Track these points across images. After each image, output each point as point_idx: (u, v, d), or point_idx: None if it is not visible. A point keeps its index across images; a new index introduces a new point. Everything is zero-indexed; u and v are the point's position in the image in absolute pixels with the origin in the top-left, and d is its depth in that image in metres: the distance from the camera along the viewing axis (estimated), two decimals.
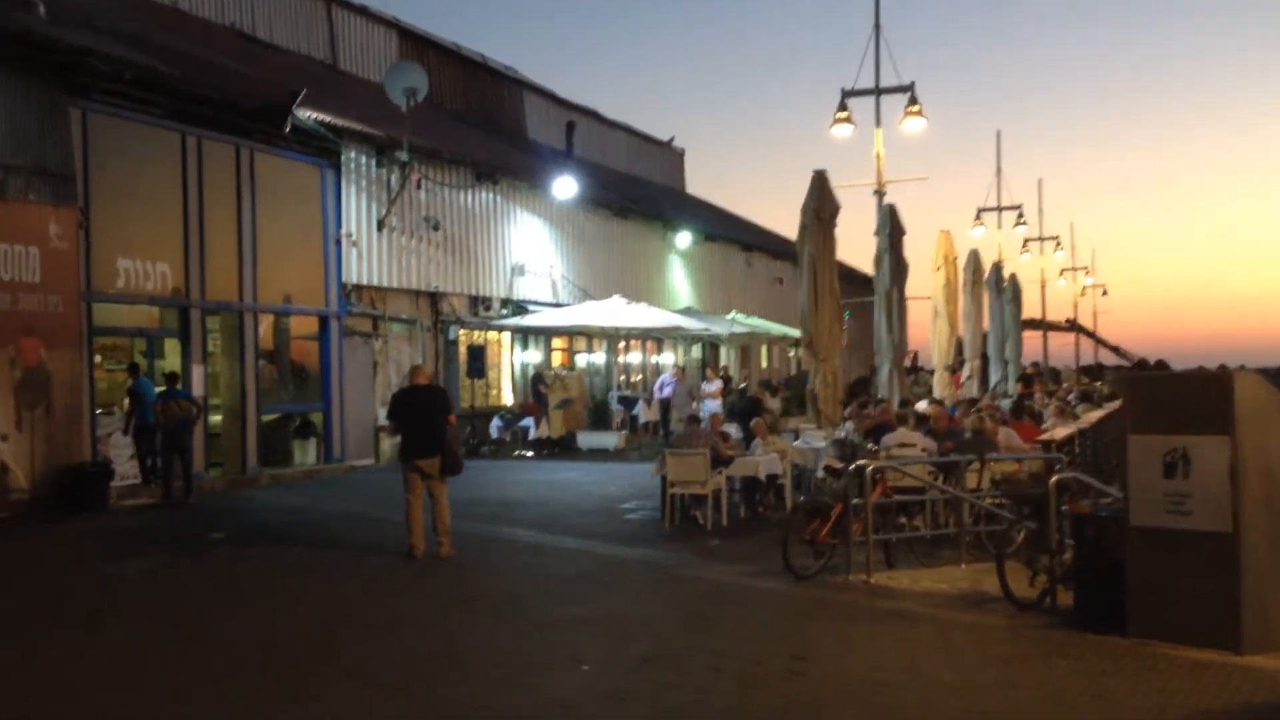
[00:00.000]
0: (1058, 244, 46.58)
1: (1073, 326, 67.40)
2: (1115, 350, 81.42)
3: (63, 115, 17.41)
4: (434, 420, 12.96)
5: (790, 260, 48.28)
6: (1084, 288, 62.76)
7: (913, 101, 22.00)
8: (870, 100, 21.96)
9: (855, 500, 11.52)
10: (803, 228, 17.05)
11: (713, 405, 25.52)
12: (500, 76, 39.90)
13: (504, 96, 39.90)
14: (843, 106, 21.97)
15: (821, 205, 16.90)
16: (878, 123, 22.02)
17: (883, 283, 20.21)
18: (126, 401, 18.51)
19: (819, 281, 16.80)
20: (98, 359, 19.82)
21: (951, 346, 24.31)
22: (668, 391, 29.95)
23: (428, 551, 12.91)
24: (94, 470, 17.25)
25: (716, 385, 28.65)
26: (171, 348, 20.07)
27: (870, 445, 15.19)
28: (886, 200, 21.32)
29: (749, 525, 15.61)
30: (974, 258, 27.11)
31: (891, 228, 20.22)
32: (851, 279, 56.39)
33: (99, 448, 18.01)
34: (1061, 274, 53.52)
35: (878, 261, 20.44)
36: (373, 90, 28.74)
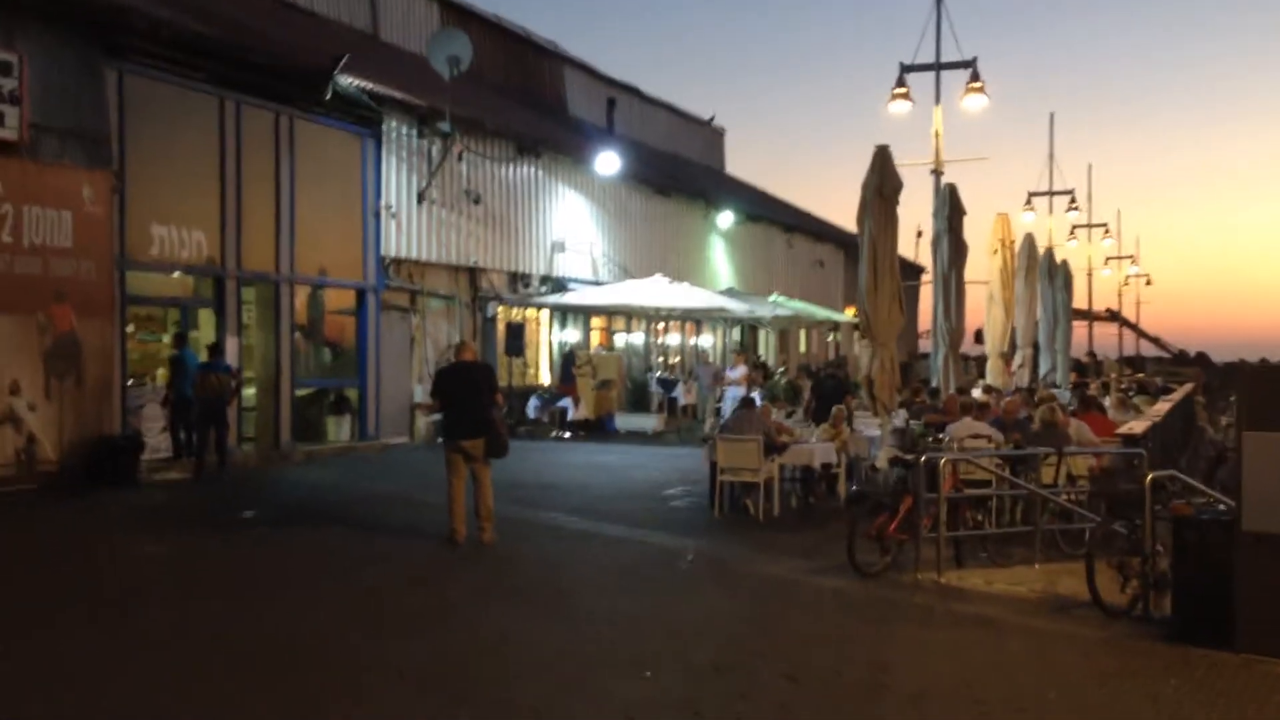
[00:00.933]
0: (1106, 231, 45.58)
1: (1113, 316, 66.27)
2: (1155, 341, 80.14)
3: (98, 75, 16.82)
4: (480, 399, 12.28)
5: (832, 242, 47.69)
6: (1127, 277, 61.71)
7: (974, 78, 21.18)
8: (924, 77, 21.22)
9: (927, 494, 10.82)
10: (863, 204, 16.29)
11: (736, 391, 23.89)
12: (542, 51, 39.19)
13: (545, 71, 39.19)
14: (900, 82, 21.24)
15: (884, 182, 16.14)
16: (937, 99, 21.25)
17: (940, 265, 19.44)
18: (165, 372, 17.97)
19: (879, 261, 16.05)
20: (130, 328, 19.35)
21: (1007, 333, 23.50)
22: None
23: (469, 537, 12.32)
24: (124, 443, 16.68)
25: (742, 371, 26.16)
26: (206, 318, 19.50)
27: (933, 436, 14.51)
28: (944, 180, 20.59)
29: (802, 516, 14.97)
30: (1029, 242, 26.22)
31: (951, 209, 19.44)
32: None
33: (130, 420, 17.49)
34: (1107, 262, 52.50)
35: (935, 243, 19.68)
36: (415, 62, 28.14)
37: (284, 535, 13.10)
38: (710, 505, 15.14)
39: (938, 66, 21.29)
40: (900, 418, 17.11)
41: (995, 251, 23.36)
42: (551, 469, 19.24)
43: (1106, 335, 69.91)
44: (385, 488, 17.03)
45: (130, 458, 16.64)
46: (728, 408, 23.06)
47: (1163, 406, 18.07)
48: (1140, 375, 35.19)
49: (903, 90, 21.22)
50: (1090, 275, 44.70)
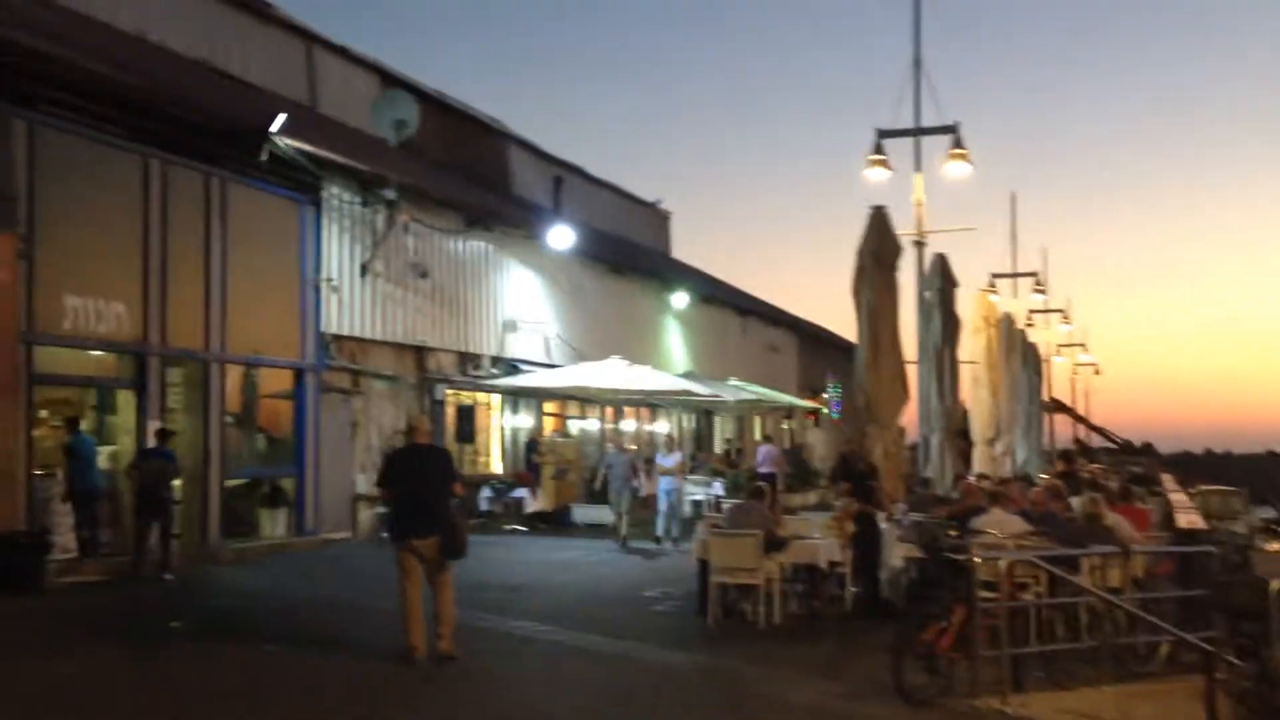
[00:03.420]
0: (1064, 317, 44.60)
1: (1059, 406, 65.35)
2: (1100, 432, 79.55)
3: (5, 127, 14.97)
4: (435, 489, 10.52)
5: (785, 326, 46.38)
6: (1077, 365, 60.89)
7: (957, 144, 19.80)
8: (896, 146, 19.81)
9: (984, 600, 9.12)
10: (859, 271, 14.84)
11: (670, 483, 21.55)
12: (485, 127, 37.76)
13: (489, 148, 37.69)
14: (878, 149, 19.81)
15: (882, 246, 14.75)
16: (917, 165, 19.85)
17: (931, 341, 17.99)
18: (64, 461, 15.97)
19: (879, 334, 14.56)
20: (42, 413, 17.33)
21: (994, 417, 22.06)
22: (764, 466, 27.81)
23: (429, 648, 10.41)
24: (27, 542, 14.58)
25: (677, 459, 22.90)
26: (125, 401, 17.42)
27: (954, 530, 12.85)
28: (929, 251, 19.18)
29: (806, 623, 13.22)
30: (1009, 323, 24.93)
31: (943, 280, 18.06)
32: (831, 344, 54.52)
33: (38, 515, 15.41)
34: (1059, 350, 51.58)
35: (926, 317, 18.23)
36: (356, 135, 26.47)
37: (212, 652, 11.08)
38: (699, 610, 13.35)
39: (917, 131, 19.91)
40: (899, 509, 15.47)
41: (978, 330, 22.00)
42: (514, 568, 17.30)
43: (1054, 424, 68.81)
44: (327, 592, 15.09)
45: (35, 558, 14.53)
46: (662, 499, 21.42)
47: (1179, 498, 16.61)
48: (1136, 467, 33.82)
49: (881, 157, 19.77)
50: (1048, 363, 43.60)
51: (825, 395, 50.90)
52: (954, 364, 18.21)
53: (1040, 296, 36.42)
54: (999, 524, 11.50)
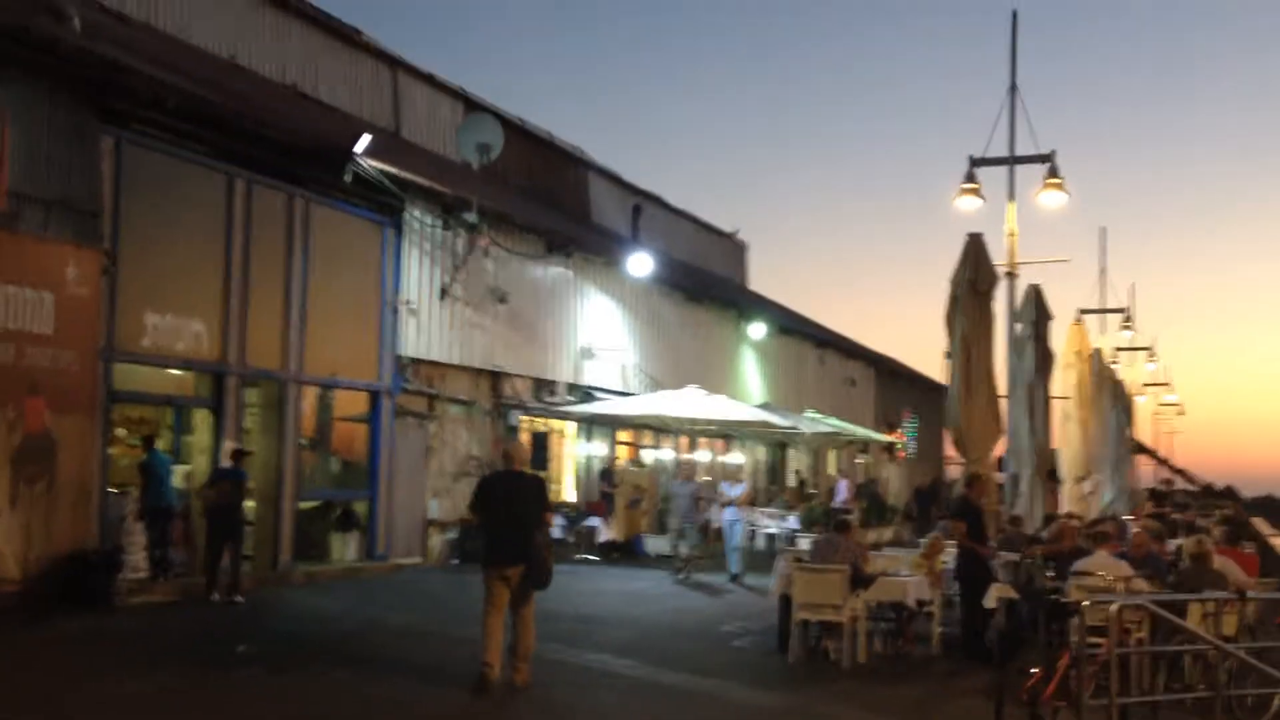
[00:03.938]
0: (1150, 355, 43.55)
1: (1140, 448, 63.75)
2: (1181, 474, 77.61)
3: (93, 143, 14.97)
4: (527, 517, 10.26)
5: (863, 360, 45.73)
6: (1160, 405, 59.45)
7: (1053, 174, 19.23)
8: (988, 175, 19.28)
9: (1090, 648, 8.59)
10: (953, 300, 14.34)
11: (734, 514, 20.91)
12: (566, 155, 37.68)
13: (569, 176, 37.61)
14: (970, 177, 19.30)
15: (978, 275, 14.24)
16: (1011, 195, 19.23)
17: (1024, 375, 17.47)
18: (139, 479, 15.87)
19: (972, 365, 14.02)
20: (120, 431, 17.31)
21: (1084, 456, 21.35)
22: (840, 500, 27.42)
23: (503, 679, 10.13)
24: (100, 560, 14.47)
25: (744, 489, 22.21)
26: (202, 420, 17.34)
27: (1051, 572, 12.31)
28: (1020, 283, 18.63)
29: (891, 663, 12.68)
30: (1099, 359, 24.19)
31: (1038, 313, 17.54)
32: (908, 379, 53.65)
33: (111, 533, 15.32)
34: (1143, 389, 50.37)
35: (1018, 350, 17.69)
36: (438, 159, 26.41)
37: (282, 676, 10.83)
38: (780, 647, 12.89)
39: (1011, 160, 19.33)
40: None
41: (1069, 365, 21.35)
42: (587, 598, 16.91)
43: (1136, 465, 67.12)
44: (398, 618, 14.79)
45: (106, 577, 14.43)
46: (728, 532, 20.81)
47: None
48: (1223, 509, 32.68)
49: (973, 185, 19.26)
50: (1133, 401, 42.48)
51: (902, 430, 50.17)
52: (1046, 400, 17.65)
53: (1128, 333, 35.46)
54: (1104, 567, 10.92)
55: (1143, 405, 53.08)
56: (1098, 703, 8.66)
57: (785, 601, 12.88)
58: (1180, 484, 70.50)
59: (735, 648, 13.54)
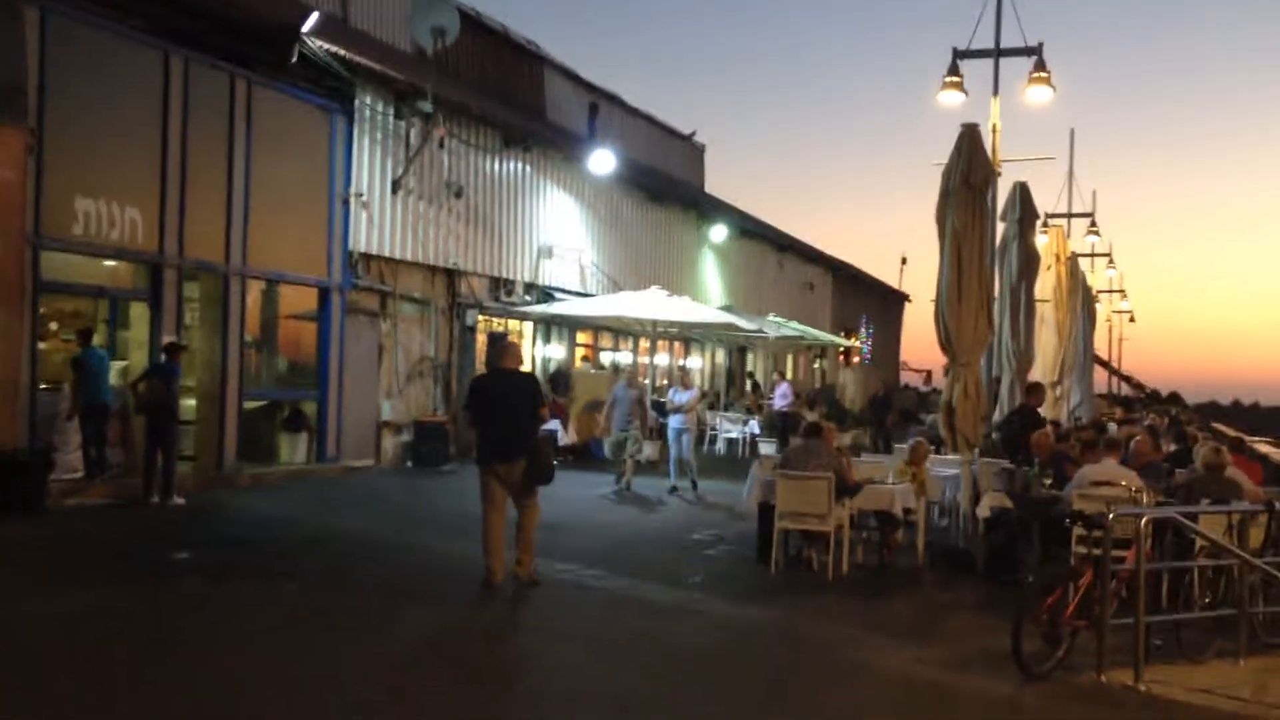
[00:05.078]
0: (1110, 262, 43.14)
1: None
2: (1128, 380, 77.98)
3: (14, 13, 13.73)
4: (521, 415, 10.21)
5: (822, 265, 44.97)
6: (1113, 313, 59.29)
7: (1040, 67, 18.35)
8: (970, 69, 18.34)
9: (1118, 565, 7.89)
10: (944, 195, 13.42)
11: (681, 422, 18.76)
12: (521, 50, 36.26)
13: (525, 71, 36.21)
14: (954, 69, 18.39)
15: (972, 169, 13.29)
16: (995, 89, 18.40)
17: (1008, 278, 16.69)
18: (72, 376, 14.86)
19: (964, 263, 13.17)
20: (52, 325, 16.26)
21: (1059, 361, 20.73)
22: (780, 404, 26.56)
23: (505, 576, 10.17)
24: (28, 460, 13.48)
25: (693, 395, 19.71)
26: (139, 315, 16.27)
27: (1048, 480, 11.65)
28: (1013, 181, 17.80)
29: (875, 575, 12.04)
30: (1074, 263, 23.50)
31: (1023, 211, 16.73)
32: (866, 286, 52.97)
33: (43, 433, 14.33)
34: (1099, 295, 50.02)
35: (1002, 252, 16.92)
36: (389, 51, 25.06)
37: (226, 591, 9.94)
38: (759, 557, 12.20)
39: (997, 53, 18.41)
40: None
41: (1049, 268, 20.62)
42: (550, 505, 15.96)
43: None
44: (352, 523, 13.97)
45: (37, 478, 13.46)
46: (673, 441, 18.93)
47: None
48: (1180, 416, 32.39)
49: (956, 79, 18.37)
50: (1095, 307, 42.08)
51: (858, 336, 49.69)
52: (1030, 303, 16.91)
53: (1095, 239, 34.86)
54: (1118, 475, 10.22)
55: (1098, 311, 52.90)
56: (1118, 622, 8.01)
57: (765, 510, 12.18)
58: (1127, 391, 71.05)
59: (708, 556, 12.83)
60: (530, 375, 11.49)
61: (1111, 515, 7.80)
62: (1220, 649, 8.67)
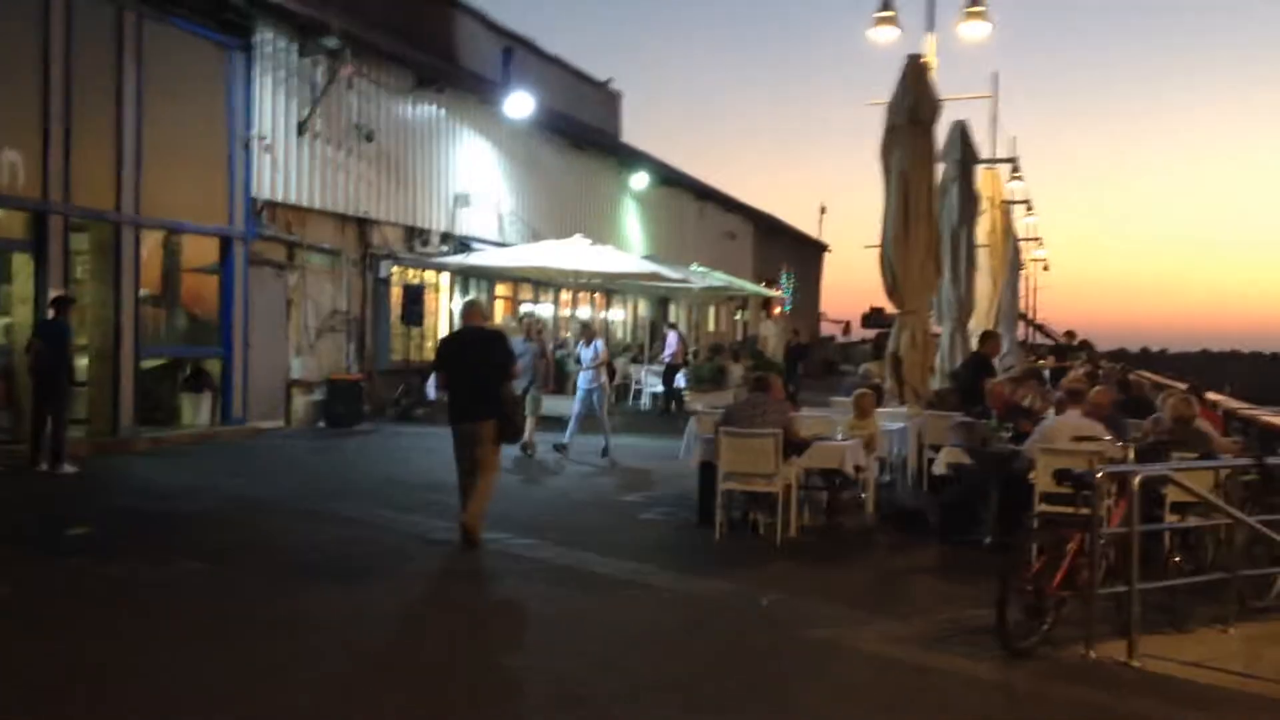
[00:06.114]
0: (1029, 208, 42.85)
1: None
2: (1040, 329, 78.54)
3: None
4: (490, 373, 10.19)
5: (742, 215, 44.25)
6: (1029, 260, 59.40)
7: (975, 1, 17.67)
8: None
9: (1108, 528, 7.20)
10: (889, 130, 12.74)
11: (589, 380, 16.95)
12: None
13: (434, 12, 34.92)
14: (886, 4, 17.63)
15: (919, 102, 12.64)
16: (929, 24, 17.66)
17: (949, 220, 16.04)
18: None
19: (911, 203, 12.48)
20: None
21: (994, 307, 20.19)
22: (666, 355, 25.67)
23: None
24: None
25: (596, 351, 17.28)
26: (22, 266, 15.02)
27: (1005, 432, 11.01)
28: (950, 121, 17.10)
29: (826, 537, 11.31)
30: (1007, 210, 22.97)
31: (963, 152, 16.08)
32: (787, 236, 52.44)
33: None
34: (1019, 242, 49.91)
35: (942, 193, 16.25)
36: None
37: (118, 569, 8.95)
38: (701, 521, 11.42)
39: None
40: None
41: (984, 212, 20.02)
42: None
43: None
44: (261, 490, 12.98)
45: None
46: (581, 400, 17.00)
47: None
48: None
49: (889, 14, 17.58)
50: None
51: (780, 286, 49.13)
52: (970, 248, 16.30)
53: (1020, 184, 34.45)
54: (1083, 429, 9.55)
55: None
56: (1107, 590, 7.34)
57: (707, 470, 11.39)
58: (1038, 339, 71.52)
59: (646, 520, 12.02)
60: (500, 333, 11.52)
61: (1100, 474, 7.09)
62: (1204, 616, 8.05)
